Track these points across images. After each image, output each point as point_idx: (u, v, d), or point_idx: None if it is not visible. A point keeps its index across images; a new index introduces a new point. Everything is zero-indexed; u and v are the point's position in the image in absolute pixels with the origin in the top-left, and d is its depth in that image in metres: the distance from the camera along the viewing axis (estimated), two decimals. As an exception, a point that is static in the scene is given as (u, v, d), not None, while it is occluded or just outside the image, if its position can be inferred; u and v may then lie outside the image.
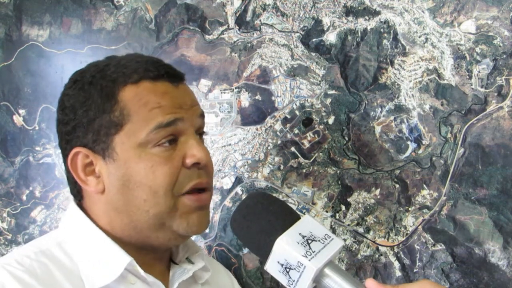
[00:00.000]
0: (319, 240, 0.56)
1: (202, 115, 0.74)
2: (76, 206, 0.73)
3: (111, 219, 0.70)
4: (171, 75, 0.72)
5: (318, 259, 0.54)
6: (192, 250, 0.77)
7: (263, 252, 0.58)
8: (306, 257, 0.54)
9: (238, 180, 1.14)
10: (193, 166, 0.69)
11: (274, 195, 1.10)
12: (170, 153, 0.68)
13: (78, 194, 0.74)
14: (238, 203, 1.13)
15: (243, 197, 1.13)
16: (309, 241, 0.56)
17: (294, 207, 1.09)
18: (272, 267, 0.57)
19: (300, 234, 0.57)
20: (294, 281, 0.55)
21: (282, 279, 0.57)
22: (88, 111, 0.68)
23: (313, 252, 0.55)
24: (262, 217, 0.60)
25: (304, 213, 1.09)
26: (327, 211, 1.08)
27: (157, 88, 0.70)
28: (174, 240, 0.70)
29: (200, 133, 0.75)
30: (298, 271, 0.54)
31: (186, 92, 0.74)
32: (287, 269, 0.55)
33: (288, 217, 0.60)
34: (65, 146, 0.72)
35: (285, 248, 0.55)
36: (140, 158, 0.66)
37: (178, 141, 0.69)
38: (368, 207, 1.05)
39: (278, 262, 0.56)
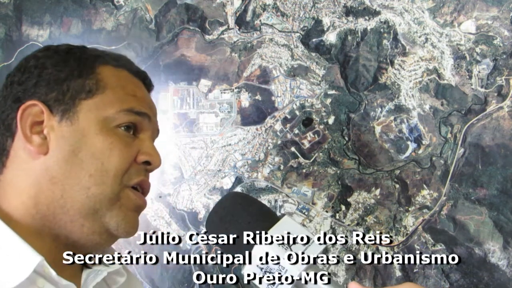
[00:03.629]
0: (300, 242, 0.54)
1: (158, 132, 0.74)
2: None
3: (39, 191, 0.62)
4: (147, 79, 0.74)
5: (300, 262, 0.52)
6: (107, 252, 0.71)
7: (242, 256, 0.56)
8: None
9: (238, 180, 1.14)
10: (142, 164, 0.67)
11: (274, 195, 1.10)
12: (129, 140, 0.66)
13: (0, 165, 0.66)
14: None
15: (243, 197, 1.13)
16: (290, 243, 0.54)
17: (294, 207, 1.09)
18: (251, 271, 0.55)
19: (280, 235, 0.54)
20: (274, 285, 0.53)
21: (262, 284, 0.54)
22: (60, 71, 0.65)
23: (295, 253, 0.53)
24: (241, 219, 0.58)
25: (304, 213, 1.09)
26: (327, 211, 1.08)
27: (134, 81, 0.70)
28: (98, 236, 0.63)
29: None
30: (279, 273, 0.53)
31: (153, 102, 0.74)
32: (267, 273, 0.53)
33: (268, 219, 0.58)
34: (12, 104, 0.66)
35: (265, 251, 0.53)
36: (101, 131, 0.63)
37: (137, 136, 0.68)
38: (368, 207, 1.05)
39: (258, 266, 0.54)
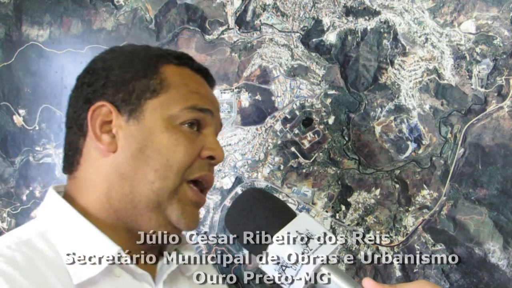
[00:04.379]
0: (316, 238, 0.55)
1: (221, 126, 0.77)
2: (56, 194, 0.69)
3: (110, 187, 0.67)
4: (208, 75, 0.76)
5: (316, 258, 0.54)
6: (181, 242, 0.75)
7: (259, 250, 0.57)
8: (304, 255, 0.53)
9: (238, 180, 1.14)
10: (206, 159, 0.69)
11: (274, 195, 1.10)
12: (193, 136, 0.68)
13: (74, 162, 0.70)
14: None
15: (243, 197, 1.13)
16: (306, 239, 0.55)
17: (294, 207, 1.09)
18: (267, 265, 0.56)
19: (297, 231, 0.56)
20: (290, 279, 0.54)
21: (278, 277, 0.55)
22: (126, 73, 0.69)
23: (311, 250, 0.54)
24: (259, 214, 0.59)
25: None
26: (327, 211, 1.08)
27: (196, 78, 0.73)
28: (164, 229, 0.67)
29: None
30: (295, 269, 0.53)
31: (215, 97, 0.77)
32: (283, 267, 0.54)
33: (285, 214, 0.59)
34: (83, 105, 0.70)
35: (282, 246, 0.54)
36: (166, 129, 0.66)
37: (200, 132, 0.70)
38: (368, 207, 1.05)
39: (274, 260, 0.55)
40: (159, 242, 0.69)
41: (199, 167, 0.68)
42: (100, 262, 0.62)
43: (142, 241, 0.69)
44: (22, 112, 1.29)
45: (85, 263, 0.62)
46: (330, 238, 0.57)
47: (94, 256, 0.63)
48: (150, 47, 0.75)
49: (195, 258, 0.75)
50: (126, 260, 0.64)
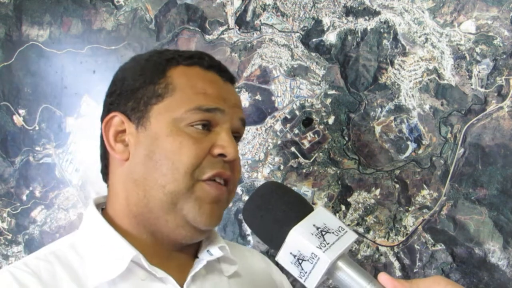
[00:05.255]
0: (333, 232, 0.55)
1: (243, 120, 0.76)
2: (92, 204, 0.73)
3: (128, 194, 0.69)
4: (223, 70, 0.75)
5: (333, 251, 0.53)
6: (213, 242, 0.75)
7: (276, 243, 0.57)
8: (321, 248, 0.53)
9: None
10: (218, 157, 0.69)
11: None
12: (201, 136, 0.68)
13: (105, 169, 0.74)
14: (238, 203, 1.13)
15: (243, 197, 1.13)
16: (323, 233, 0.55)
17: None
18: (284, 258, 0.56)
19: (314, 225, 0.55)
20: (306, 272, 0.54)
21: (293, 270, 0.56)
22: (136, 81, 0.70)
23: (327, 244, 0.54)
24: (277, 207, 0.59)
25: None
26: (327, 211, 1.08)
27: (207, 76, 0.72)
28: (182, 228, 0.68)
29: (236, 136, 0.75)
30: (311, 263, 0.53)
31: (232, 91, 0.76)
32: (300, 261, 0.54)
33: (302, 208, 0.59)
34: (103, 116, 0.73)
35: (299, 239, 0.54)
36: (171, 132, 0.67)
37: (211, 130, 0.70)
38: (368, 207, 1.05)
39: (291, 253, 0.55)
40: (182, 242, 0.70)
41: (210, 165, 0.68)
42: (117, 266, 0.64)
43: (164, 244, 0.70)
44: (22, 112, 1.29)
45: (103, 267, 0.64)
46: (346, 233, 0.56)
47: (112, 260, 0.65)
48: (165, 51, 0.75)
49: (224, 257, 0.75)
50: (144, 263, 0.65)
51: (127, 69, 0.74)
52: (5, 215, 1.31)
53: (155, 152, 0.67)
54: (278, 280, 0.89)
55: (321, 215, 0.57)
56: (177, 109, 0.68)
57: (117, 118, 0.70)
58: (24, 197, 1.29)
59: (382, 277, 0.54)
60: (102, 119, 0.73)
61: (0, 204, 1.31)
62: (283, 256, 0.56)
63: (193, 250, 0.75)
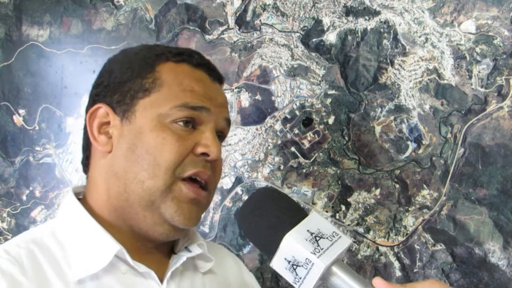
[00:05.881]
0: (327, 238, 0.55)
1: (228, 120, 0.75)
2: (71, 193, 0.72)
3: (109, 186, 0.68)
4: (211, 69, 0.75)
5: (327, 257, 0.53)
6: (192, 240, 0.76)
7: (270, 249, 0.57)
8: (315, 254, 0.53)
9: (238, 180, 1.14)
10: (201, 156, 0.69)
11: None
12: (185, 134, 0.68)
13: (86, 160, 0.74)
14: (238, 203, 1.13)
15: (243, 197, 1.13)
16: (317, 238, 0.55)
17: (294, 207, 1.09)
18: (278, 263, 0.56)
19: (308, 231, 0.55)
20: (300, 278, 0.54)
21: (288, 276, 0.56)
22: (124, 74, 0.70)
23: (322, 249, 0.54)
24: (271, 213, 0.59)
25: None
26: (327, 211, 1.08)
27: (195, 74, 0.72)
28: (160, 226, 0.67)
29: (220, 135, 0.75)
30: (306, 268, 0.54)
31: (219, 91, 0.76)
32: (294, 266, 0.54)
33: (296, 214, 0.59)
34: (88, 107, 0.73)
35: (293, 244, 0.54)
36: (155, 128, 0.67)
37: (196, 129, 0.70)
38: (368, 207, 1.05)
39: (285, 258, 0.55)
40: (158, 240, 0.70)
41: (192, 164, 0.68)
42: (101, 260, 0.63)
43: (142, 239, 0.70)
44: (22, 112, 1.29)
45: (86, 260, 0.64)
46: (340, 238, 0.57)
47: (96, 254, 0.64)
48: (155, 46, 0.75)
49: (201, 254, 0.75)
50: (128, 258, 0.65)
51: (116, 62, 0.73)
52: (5, 215, 1.31)
53: (138, 146, 0.66)
54: (248, 280, 0.89)
55: (315, 220, 0.57)
56: (163, 105, 0.67)
57: (102, 109, 0.70)
58: (24, 197, 1.29)
59: (377, 281, 0.54)
60: (87, 110, 0.73)
61: (0, 204, 1.31)
62: (278, 262, 0.56)
63: (170, 246, 0.75)
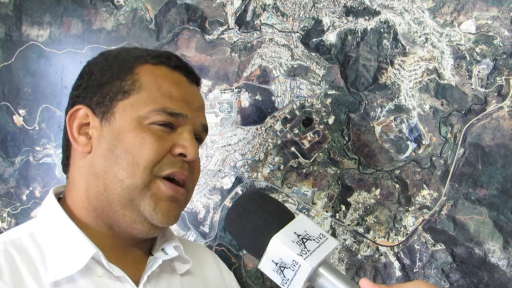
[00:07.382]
0: (314, 239, 0.56)
1: (204, 126, 0.76)
2: (52, 194, 0.73)
3: (88, 186, 0.69)
4: (189, 72, 0.76)
5: (313, 258, 0.54)
6: (169, 241, 0.76)
7: (258, 251, 0.58)
8: (301, 255, 0.54)
9: (238, 180, 1.14)
10: (179, 156, 0.70)
11: (274, 195, 1.10)
12: (163, 134, 0.69)
13: (66, 160, 0.75)
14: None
15: (243, 197, 1.13)
16: (304, 240, 0.56)
17: (294, 207, 1.09)
18: (266, 266, 0.57)
19: (295, 233, 0.56)
20: (288, 280, 0.55)
21: (276, 278, 0.56)
22: (103, 76, 0.71)
23: (308, 251, 0.54)
24: (257, 216, 0.60)
25: (304, 213, 1.09)
26: (327, 211, 1.08)
27: (173, 76, 0.73)
28: (139, 224, 0.68)
29: (197, 138, 0.76)
30: (293, 270, 0.54)
31: (196, 94, 0.77)
32: (282, 268, 0.55)
33: (283, 216, 0.60)
34: (68, 109, 0.74)
35: (280, 246, 0.55)
36: (134, 128, 0.68)
37: (174, 130, 0.71)
38: (368, 207, 1.05)
39: (273, 261, 0.56)
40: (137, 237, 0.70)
41: (170, 164, 0.69)
42: (77, 262, 0.64)
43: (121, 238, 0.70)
44: (22, 112, 1.29)
45: (62, 262, 0.64)
46: (327, 240, 0.57)
47: (72, 256, 0.65)
48: (134, 49, 0.77)
49: (178, 256, 0.75)
50: (103, 261, 0.65)
51: (95, 64, 0.74)
52: (5, 215, 1.31)
53: (117, 146, 0.68)
54: (227, 278, 0.90)
55: (302, 222, 0.58)
56: (142, 108, 0.69)
57: (82, 111, 0.71)
58: (24, 197, 1.29)
59: (363, 282, 0.55)
60: (66, 112, 0.74)
61: (0, 204, 1.31)
62: (265, 263, 0.56)
63: (148, 246, 0.75)
